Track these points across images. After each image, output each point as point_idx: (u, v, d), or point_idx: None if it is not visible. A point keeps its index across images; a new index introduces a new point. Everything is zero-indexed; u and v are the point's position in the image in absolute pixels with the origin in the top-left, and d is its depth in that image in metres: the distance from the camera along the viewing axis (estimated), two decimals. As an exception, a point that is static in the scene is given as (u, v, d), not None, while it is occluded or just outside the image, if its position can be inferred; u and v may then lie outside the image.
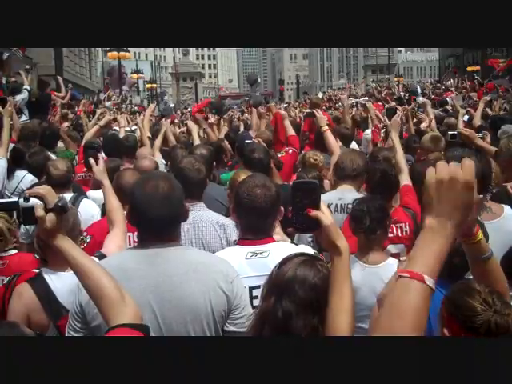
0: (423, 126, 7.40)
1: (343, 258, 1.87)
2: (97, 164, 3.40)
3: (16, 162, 5.68)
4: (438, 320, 2.00)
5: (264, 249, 2.63)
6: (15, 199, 1.98)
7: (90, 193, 4.77)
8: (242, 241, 2.70)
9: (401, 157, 4.44)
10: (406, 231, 3.80)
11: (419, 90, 20.56)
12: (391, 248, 3.65)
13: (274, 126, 7.79)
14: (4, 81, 12.01)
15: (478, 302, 1.89)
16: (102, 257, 2.60)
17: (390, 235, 3.59)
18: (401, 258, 3.51)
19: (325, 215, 1.84)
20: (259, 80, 17.31)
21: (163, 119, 8.79)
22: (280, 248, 2.63)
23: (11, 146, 6.02)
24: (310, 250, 2.77)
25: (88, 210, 4.30)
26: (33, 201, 1.92)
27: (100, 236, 3.25)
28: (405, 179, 4.20)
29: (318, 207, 1.85)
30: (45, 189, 1.98)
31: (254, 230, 2.66)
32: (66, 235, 2.01)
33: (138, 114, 7.87)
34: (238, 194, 2.68)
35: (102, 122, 7.65)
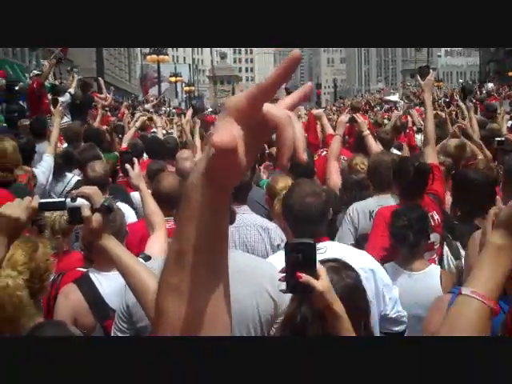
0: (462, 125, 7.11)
1: (341, 320, 1.80)
2: (133, 169, 3.42)
3: (66, 163, 5.74)
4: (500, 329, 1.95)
5: (321, 245, 2.62)
6: (62, 199, 2.01)
7: (134, 194, 4.80)
8: None
9: (431, 125, 4.19)
10: (437, 219, 3.70)
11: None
12: None
13: (305, 129, 7.76)
14: (48, 83, 12.24)
15: None
16: (146, 258, 2.60)
17: None
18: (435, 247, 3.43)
19: (318, 281, 1.75)
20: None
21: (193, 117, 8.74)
22: (336, 246, 2.62)
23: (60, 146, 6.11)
24: (363, 254, 2.77)
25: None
26: (79, 201, 1.94)
27: (132, 238, 3.25)
28: (431, 155, 4.03)
29: (312, 270, 1.76)
30: (91, 189, 2.00)
31: (307, 236, 2.66)
32: (111, 235, 2.03)
33: (177, 116, 7.89)
34: (289, 204, 2.65)
35: (137, 124, 7.72)
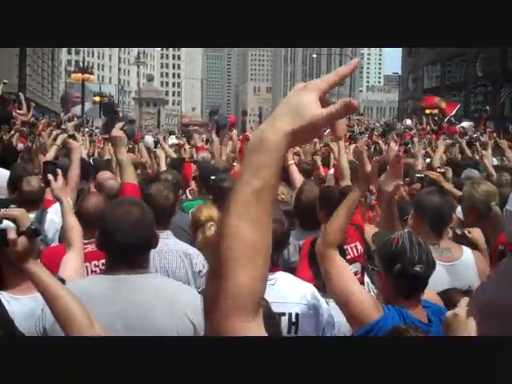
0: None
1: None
2: (56, 180, 3.34)
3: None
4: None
5: (272, 277, 2.67)
6: None
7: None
8: None
9: (345, 161, 4.62)
10: (360, 249, 3.85)
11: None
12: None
13: (240, 153, 7.88)
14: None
15: None
16: (61, 281, 2.55)
17: (348, 257, 3.60)
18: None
19: None
20: (220, 111, 17.48)
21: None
22: (285, 277, 2.68)
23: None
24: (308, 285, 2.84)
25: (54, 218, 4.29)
26: (5, 223, 1.90)
27: (51, 265, 3.15)
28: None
29: None
30: (19, 211, 1.96)
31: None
32: (36, 259, 1.99)
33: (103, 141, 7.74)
34: None
35: (58, 142, 7.55)
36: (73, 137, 9.84)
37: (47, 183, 3.45)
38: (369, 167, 2.78)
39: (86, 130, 19.07)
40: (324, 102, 0.98)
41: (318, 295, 2.85)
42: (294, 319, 2.72)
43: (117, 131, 4.01)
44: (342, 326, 2.84)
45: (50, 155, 6.96)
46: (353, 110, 0.96)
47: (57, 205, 4.56)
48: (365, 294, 2.49)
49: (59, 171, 3.45)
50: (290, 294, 2.74)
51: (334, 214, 2.58)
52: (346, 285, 2.44)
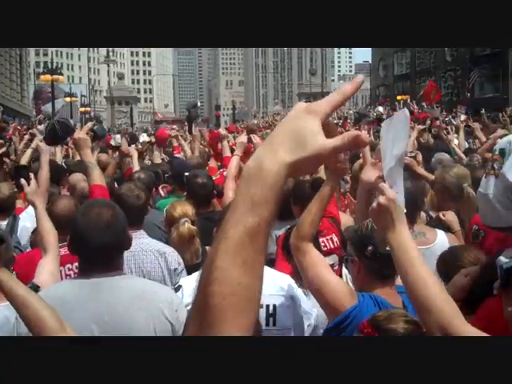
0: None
1: None
2: (28, 184, 3.29)
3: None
4: None
5: None
6: None
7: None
8: None
9: None
10: (336, 242, 3.86)
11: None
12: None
13: (209, 147, 7.85)
14: None
15: None
16: (35, 287, 2.52)
17: (324, 249, 3.61)
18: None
19: None
20: (198, 104, 17.24)
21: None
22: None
23: None
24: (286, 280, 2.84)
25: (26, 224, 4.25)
26: None
27: (26, 271, 3.11)
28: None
29: None
30: None
31: None
32: (2, 266, 1.96)
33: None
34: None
35: (33, 145, 7.45)
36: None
37: (20, 188, 3.41)
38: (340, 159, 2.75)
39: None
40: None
41: (295, 286, 2.86)
42: (271, 311, 2.72)
43: (81, 133, 3.96)
44: (320, 317, 2.86)
45: (25, 159, 6.88)
46: (362, 145, 0.87)
47: (29, 210, 4.52)
48: (339, 283, 2.50)
49: (32, 175, 3.41)
50: (266, 285, 2.73)
51: (307, 207, 2.59)
52: (321, 275, 2.45)
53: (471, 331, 1.60)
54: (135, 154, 6.78)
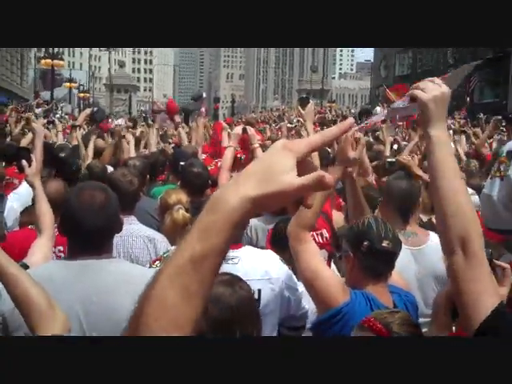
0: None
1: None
2: (29, 166, 3.28)
3: None
4: None
5: (234, 255, 2.69)
6: None
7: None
8: None
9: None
10: (326, 237, 3.86)
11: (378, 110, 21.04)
12: None
13: (213, 140, 7.85)
14: None
15: None
16: (25, 267, 2.51)
17: None
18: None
19: None
20: (204, 95, 17.13)
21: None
22: (248, 254, 2.72)
23: None
24: (275, 257, 2.84)
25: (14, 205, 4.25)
26: None
27: (14, 249, 3.10)
28: None
29: None
30: None
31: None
32: None
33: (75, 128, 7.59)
34: None
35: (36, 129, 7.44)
36: (53, 124, 9.70)
37: (21, 169, 3.40)
38: (350, 151, 2.70)
39: (57, 115, 18.79)
40: (304, 165, 0.89)
41: (280, 263, 2.86)
42: (256, 296, 2.73)
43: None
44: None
45: (26, 141, 6.86)
46: (326, 188, 0.88)
47: (18, 191, 4.50)
48: (332, 277, 2.49)
49: (33, 157, 3.40)
50: (252, 270, 2.72)
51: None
52: (316, 267, 2.43)
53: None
54: (131, 140, 6.78)
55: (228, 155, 4.93)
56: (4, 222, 4.05)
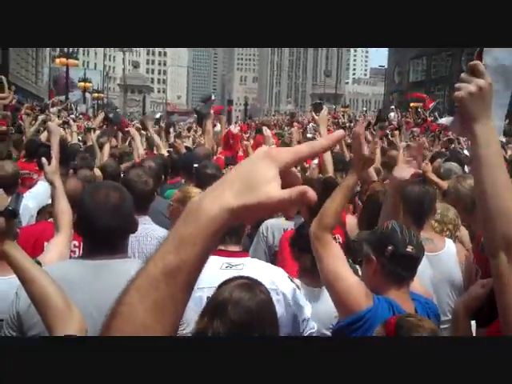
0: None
1: None
2: (49, 163, 3.27)
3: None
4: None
5: (239, 262, 2.69)
6: None
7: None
8: (218, 251, 2.70)
9: (328, 156, 4.71)
10: (339, 242, 3.82)
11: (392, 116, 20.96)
12: None
13: (223, 143, 7.87)
14: None
15: None
16: (37, 263, 2.50)
17: None
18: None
19: None
20: (213, 97, 17.14)
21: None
22: (253, 263, 2.73)
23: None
24: (284, 273, 2.82)
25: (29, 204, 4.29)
26: None
27: (26, 243, 3.10)
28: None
29: None
30: None
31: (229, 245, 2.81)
32: (13, 240, 1.95)
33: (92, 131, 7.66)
34: None
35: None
36: (68, 124, 9.75)
37: (40, 166, 3.40)
38: (366, 150, 2.66)
39: (72, 116, 18.87)
40: (288, 176, 0.85)
41: (287, 279, 2.82)
42: None
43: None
44: (326, 313, 2.83)
45: (43, 139, 6.90)
46: (308, 203, 0.82)
47: (34, 189, 4.52)
48: (356, 282, 2.42)
49: (53, 154, 3.40)
50: (258, 278, 2.71)
51: (329, 197, 2.53)
52: (339, 270, 2.39)
53: None
54: (138, 138, 6.82)
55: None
56: (19, 221, 4.06)
